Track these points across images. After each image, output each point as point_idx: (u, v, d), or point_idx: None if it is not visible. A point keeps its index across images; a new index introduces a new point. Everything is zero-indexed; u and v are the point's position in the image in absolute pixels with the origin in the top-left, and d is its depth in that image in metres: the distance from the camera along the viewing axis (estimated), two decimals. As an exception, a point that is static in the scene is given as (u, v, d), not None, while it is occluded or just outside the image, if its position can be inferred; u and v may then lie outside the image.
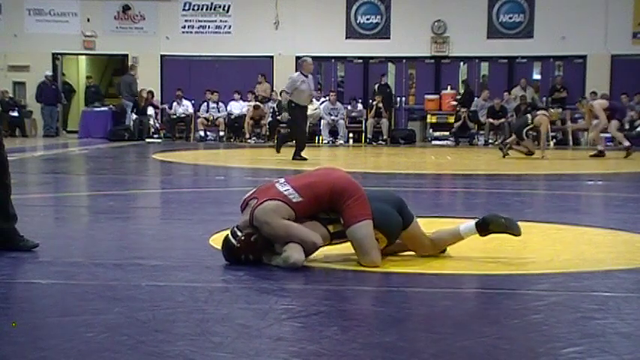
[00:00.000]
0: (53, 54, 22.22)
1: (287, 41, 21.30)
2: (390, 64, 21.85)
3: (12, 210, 5.11)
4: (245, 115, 20.60)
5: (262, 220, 4.53)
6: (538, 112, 15.46)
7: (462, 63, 21.67)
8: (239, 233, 4.57)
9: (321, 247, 4.59)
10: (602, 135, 18.20)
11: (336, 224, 4.66)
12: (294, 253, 4.49)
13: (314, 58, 22.02)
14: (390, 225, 4.71)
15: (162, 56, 22.00)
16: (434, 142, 20.51)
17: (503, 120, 20.11)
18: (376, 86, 20.99)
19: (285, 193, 4.59)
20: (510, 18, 21.07)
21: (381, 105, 20.18)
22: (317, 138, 20.34)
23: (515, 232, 4.82)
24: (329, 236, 4.66)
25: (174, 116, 21.00)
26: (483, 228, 4.83)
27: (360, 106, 20.85)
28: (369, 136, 20.41)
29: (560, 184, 10.77)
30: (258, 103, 20.51)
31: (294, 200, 4.58)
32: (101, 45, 22.05)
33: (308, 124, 20.25)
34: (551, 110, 18.00)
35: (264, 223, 4.52)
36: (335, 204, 4.64)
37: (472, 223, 4.86)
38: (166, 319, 3.51)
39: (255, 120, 20.57)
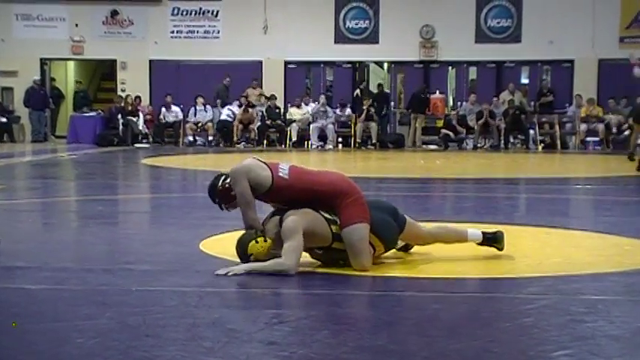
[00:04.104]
0: (41, 59, 22.11)
1: (276, 46, 21.28)
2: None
3: None
4: (232, 120, 20.53)
5: (239, 165, 4.73)
6: None
7: (450, 67, 21.71)
8: (228, 180, 4.77)
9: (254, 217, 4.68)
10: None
11: (338, 226, 4.67)
12: (287, 259, 4.48)
13: (302, 62, 22.27)
14: (389, 234, 4.75)
15: (150, 61, 21.94)
16: (424, 147, 20.49)
17: (492, 123, 20.10)
18: (357, 91, 21.00)
19: (278, 167, 4.74)
20: (498, 23, 21.12)
21: (371, 109, 20.15)
22: (307, 143, 20.31)
23: (502, 247, 5.07)
24: (331, 236, 4.65)
25: (163, 122, 20.94)
26: (489, 242, 5.05)
27: (348, 111, 20.81)
28: (358, 140, 20.38)
29: (548, 188, 10.80)
30: (248, 107, 20.45)
31: (280, 174, 4.69)
32: (89, 50, 21.97)
33: (298, 128, 20.42)
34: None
35: (236, 167, 4.72)
36: (333, 201, 4.67)
37: (479, 232, 5.07)
38: (157, 324, 3.51)
39: (244, 124, 20.52)
